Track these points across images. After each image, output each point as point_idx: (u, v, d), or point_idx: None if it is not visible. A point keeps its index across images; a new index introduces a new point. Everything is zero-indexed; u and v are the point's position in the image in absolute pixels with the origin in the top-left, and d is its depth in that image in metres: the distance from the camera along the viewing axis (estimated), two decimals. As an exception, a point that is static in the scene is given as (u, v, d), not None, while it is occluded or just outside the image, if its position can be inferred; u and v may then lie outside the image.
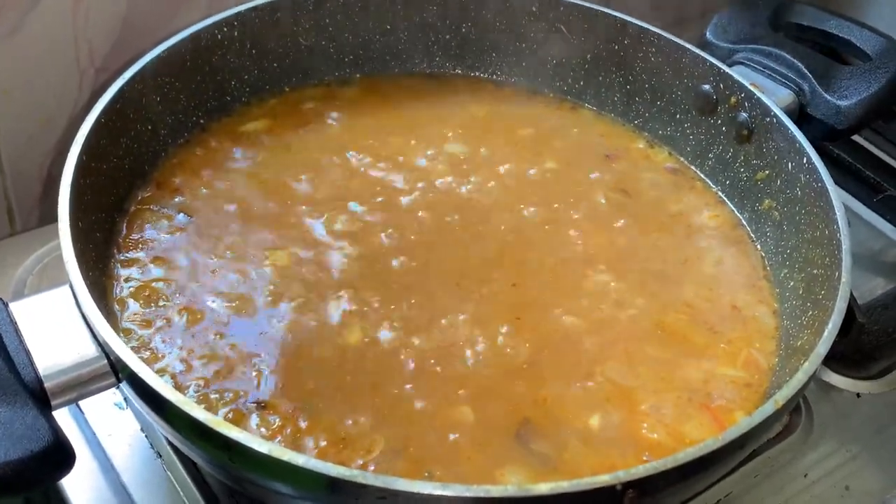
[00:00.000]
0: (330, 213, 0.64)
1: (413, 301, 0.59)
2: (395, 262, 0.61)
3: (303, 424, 0.51)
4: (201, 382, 0.53)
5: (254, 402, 0.52)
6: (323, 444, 0.51)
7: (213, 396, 0.52)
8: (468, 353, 0.56)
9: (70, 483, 0.58)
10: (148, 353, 0.54)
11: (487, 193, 0.68)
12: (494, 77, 0.79)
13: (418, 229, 0.64)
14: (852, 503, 0.62)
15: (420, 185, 0.67)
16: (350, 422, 0.52)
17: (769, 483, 0.62)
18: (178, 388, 0.52)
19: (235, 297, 0.58)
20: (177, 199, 0.64)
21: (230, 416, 0.51)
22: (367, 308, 0.58)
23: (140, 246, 0.60)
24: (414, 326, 0.57)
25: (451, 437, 0.52)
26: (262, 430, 0.51)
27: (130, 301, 0.57)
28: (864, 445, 0.65)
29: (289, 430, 0.51)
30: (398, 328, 0.57)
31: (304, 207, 0.64)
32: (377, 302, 0.58)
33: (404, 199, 0.66)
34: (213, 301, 0.57)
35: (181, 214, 0.63)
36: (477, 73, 0.79)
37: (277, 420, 0.51)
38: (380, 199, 0.66)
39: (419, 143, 0.71)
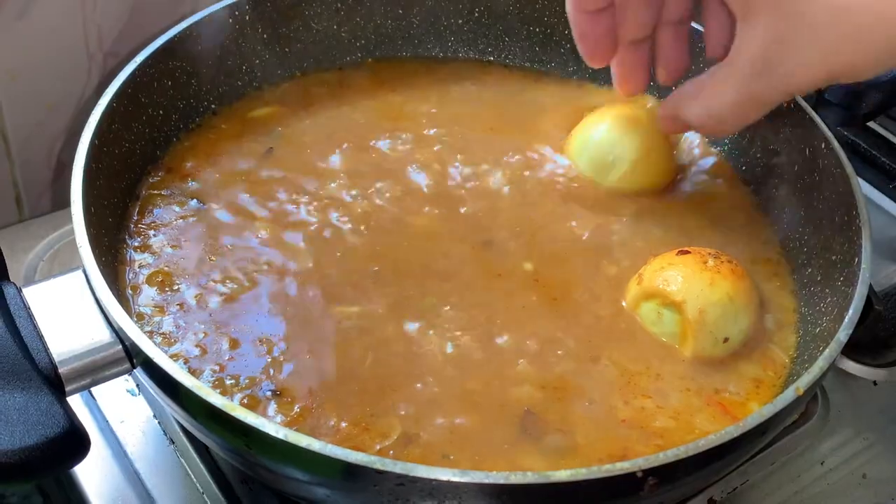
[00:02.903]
0: (343, 197, 0.64)
1: (426, 284, 0.58)
2: (406, 246, 0.61)
3: (317, 410, 0.51)
4: (216, 367, 0.52)
5: (269, 387, 0.52)
6: (343, 425, 0.50)
7: (228, 381, 0.52)
8: (466, 338, 0.56)
9: (83, 470, 0.57)
10: (161, 338, 0.54)
11: (499, 177, 0.67)
12: (507, 61, 0.78)
13: (430, 213, 0.63)
14: (869, 491, 0.62)
15: (435, 167, 0.67)
16: (366, 407, 0.51)
17: (786, 471, 0.62)
18: (193, 373, 0.52)
19: (250, 282, 0.57)
20: (189, 184, 0.63)
21: (245, 401, 0.51)
22: (381, 293, 0.57)
23: (153, 231, 0.60)
24: (416, 309, 0.57)
25: (461, 424, 0.51)
26: (279, 416, 0.50)
27: (144, 286, 0.56)
28: (881, 433, 0.65)
29: (303, 415, 0.51)
30: (401, 310, 0.57)
31: (316, 191, 0.64)
32: (390, 286, 0.58)
33: (419, 183, 0.65)
34: (228, 285, 0.57)
35: (193, 200, 0.62)
36: (489, 58, 0.78)
37: (292, 405, 0.51)
38: (396, 184, 0.65)
39: (431, 127, 0.70)
